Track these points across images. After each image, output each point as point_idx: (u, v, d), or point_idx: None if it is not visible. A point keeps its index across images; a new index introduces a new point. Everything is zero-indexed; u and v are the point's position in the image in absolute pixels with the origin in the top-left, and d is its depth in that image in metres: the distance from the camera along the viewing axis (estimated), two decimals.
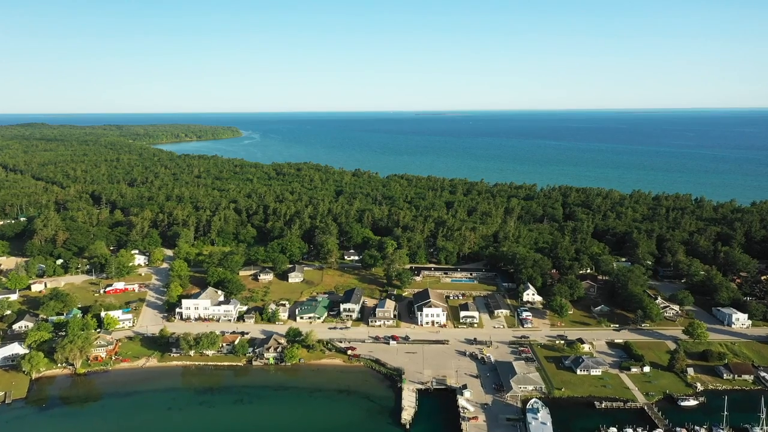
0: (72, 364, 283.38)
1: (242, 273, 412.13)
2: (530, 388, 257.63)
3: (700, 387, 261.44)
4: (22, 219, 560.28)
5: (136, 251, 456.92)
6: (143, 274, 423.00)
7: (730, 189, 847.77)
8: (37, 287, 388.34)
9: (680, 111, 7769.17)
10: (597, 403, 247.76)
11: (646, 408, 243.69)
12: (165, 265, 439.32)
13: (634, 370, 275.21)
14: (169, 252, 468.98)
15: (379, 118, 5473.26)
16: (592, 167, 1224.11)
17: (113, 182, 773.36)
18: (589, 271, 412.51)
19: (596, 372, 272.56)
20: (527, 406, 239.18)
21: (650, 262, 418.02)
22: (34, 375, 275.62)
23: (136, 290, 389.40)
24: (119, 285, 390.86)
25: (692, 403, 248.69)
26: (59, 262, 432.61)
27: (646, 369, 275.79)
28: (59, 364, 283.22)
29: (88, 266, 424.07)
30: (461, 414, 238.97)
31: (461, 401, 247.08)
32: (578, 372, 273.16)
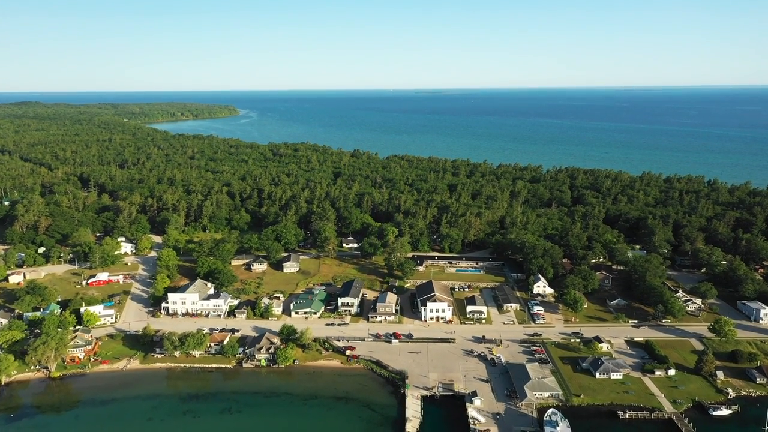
0: (46, 367, 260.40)
1: (234, 262, 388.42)
2: (546, 395, 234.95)
3: (731, 393, 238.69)
4: (5, 203, 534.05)
5: (123, 239, 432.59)
6: (129, 264, 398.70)
7: (740, 170, 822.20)
8: (15, 278, 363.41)
9: (680, 88, 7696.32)
10: (620, 413, 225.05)
11: (674, 418, 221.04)
12: (153, 254, 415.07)
13: (658, 373, 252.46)
14: (158, 239, 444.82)
15: (378, 96, 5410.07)
16: (596, 147, 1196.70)
17: (103, 164, 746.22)
18: (602, 260, 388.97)
19: (617, 375, 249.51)
20: (544, 418, 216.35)
21: (667, 251, 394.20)
22: (4, 380, 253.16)
23: (121, 281, 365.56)
24: (103, 276, 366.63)
25: (725, 412, 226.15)
26: (41, 250, 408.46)
27: (672, 372, 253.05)
28: (32, 367, 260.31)
29: (71, 255, 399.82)
30: (471, 426, 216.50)
31: (471, 411, 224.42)
32: (597, 375, 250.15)
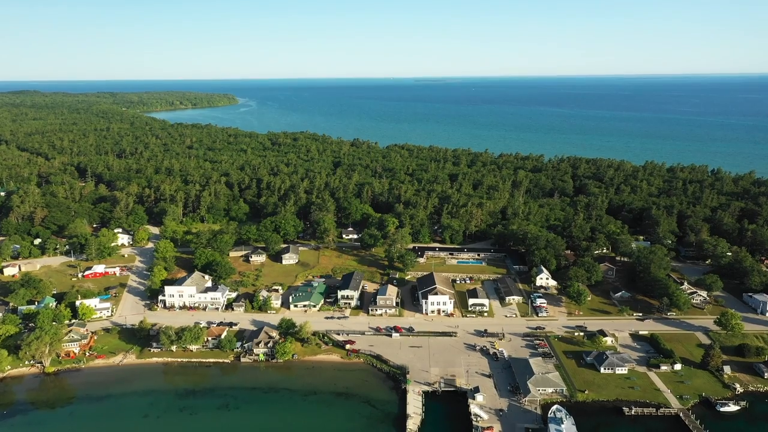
0: (40, 362, 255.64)
1: (233, 254, 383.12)
2: (550, 390, 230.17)
3: (739, 389, 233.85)
4: (1, 194, 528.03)
5: (120, 230, 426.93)
6: (126, 256, 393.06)
7: (744, 158, 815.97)
8: (10, 271, 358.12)
9: (682, 77, 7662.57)
10: (626, 409, 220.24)
11: (681, 415, 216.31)
12: (150, 245, 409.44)
13: (663, 367, 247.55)
14: (156, 230, 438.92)
15: (378, 84, 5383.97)
16: (598, 135, 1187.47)
17: (101, 153, 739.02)
18: (605, 251, 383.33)
19: (622, 370, 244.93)
20: (549, 414, 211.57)
21: (671, 242, 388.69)
22: None
23: (118, 274, 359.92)
24: (99, 268, 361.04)
25: (733, 408, 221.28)
26: (37, 242, 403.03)
27: (678, 366, 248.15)
28: (26, 362, 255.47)
29: (67, 247, 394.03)
30: (474, 422, 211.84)
31: (473, 407, 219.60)
32: (602, 370, 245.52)
